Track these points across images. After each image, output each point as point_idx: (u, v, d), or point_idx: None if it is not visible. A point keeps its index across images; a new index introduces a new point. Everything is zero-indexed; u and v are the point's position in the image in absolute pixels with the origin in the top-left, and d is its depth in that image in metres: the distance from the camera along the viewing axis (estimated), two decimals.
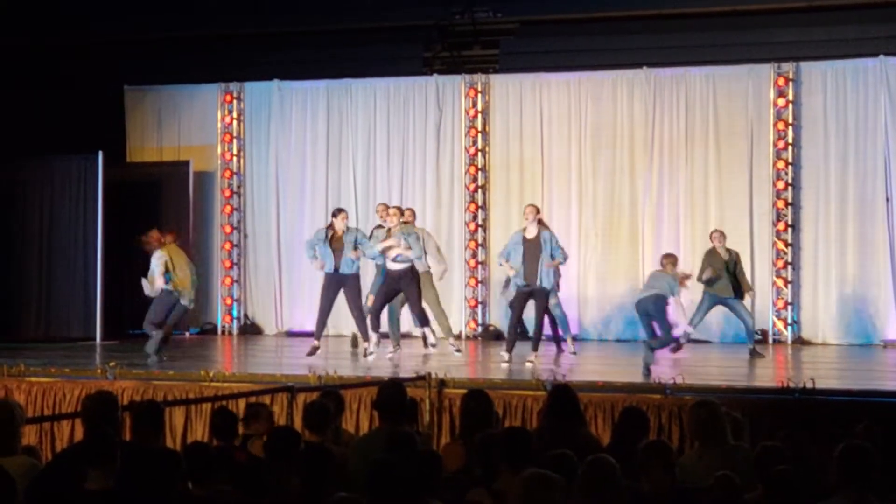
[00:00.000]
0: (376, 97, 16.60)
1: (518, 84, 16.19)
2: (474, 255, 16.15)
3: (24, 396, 10.43)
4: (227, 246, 16.96)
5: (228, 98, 17.04)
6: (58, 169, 15.95)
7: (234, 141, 17.05)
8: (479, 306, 16.15)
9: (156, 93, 17.39)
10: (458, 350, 12.92)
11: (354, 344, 13.41)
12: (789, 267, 15.18)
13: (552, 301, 12.77)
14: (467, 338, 15.96)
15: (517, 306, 12.29)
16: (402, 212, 12.80)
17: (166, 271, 12.12)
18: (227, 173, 17.02)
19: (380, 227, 13.03)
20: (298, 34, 16.79)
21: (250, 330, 16.83)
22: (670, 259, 12.41)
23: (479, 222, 16.20)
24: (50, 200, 15.93)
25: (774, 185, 15.22)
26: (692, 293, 13.25)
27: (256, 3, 16.52)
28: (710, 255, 13.18)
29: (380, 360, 12.10)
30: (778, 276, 15.19)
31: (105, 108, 16.80)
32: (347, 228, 12.41)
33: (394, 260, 12.31)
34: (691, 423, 6.65)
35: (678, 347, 12.70)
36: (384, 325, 12.89)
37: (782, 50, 15.40)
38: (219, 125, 17.06)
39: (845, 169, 15.10)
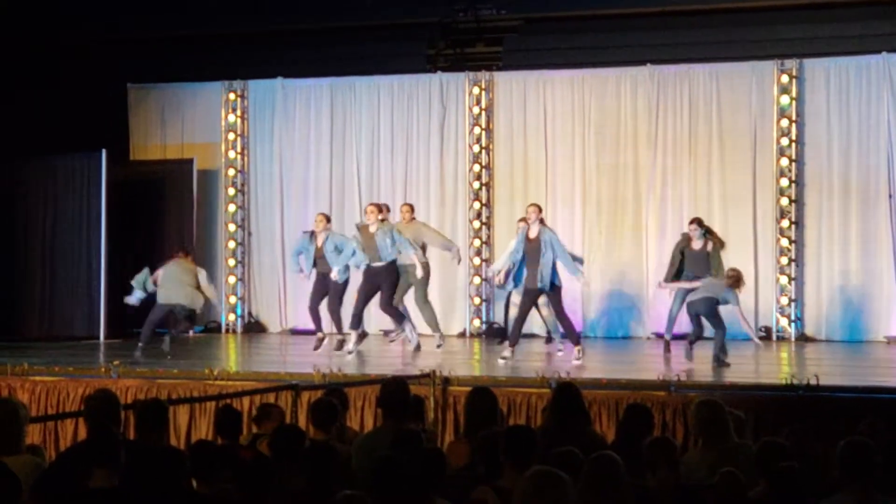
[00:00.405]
0: (380, 95, 16.58)
1: (522, 81, 16.18)
2: (478, 253, 16.13)
3: (28, 395, 10.44)
4: (231, 244, 16.96)
5: (232, 96, 17.03)
6: (61, 167, 15.93)
7: (238, 139, 17.04)
8: (484, 304, 16.15)
9: (159, 91, 17.38)
10: (440, 346, 12.80)
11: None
12: (793, 264, 15.16)
13: (541, 300, 12.63)
14: (471, 335, 15.97)
15: (524, 306, 12.18)
16: (380, 209, 12.72)
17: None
18: (231, 171, 17.01)
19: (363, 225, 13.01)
20: (302, 32, 16.79)
21: (254, 328, 16.82)
22: (734, 274, 12.13)
23: (483, 220, 16.19)
24: (53, 199, 15.92)
25: (778, 182, 15.21)
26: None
27: (260, 1, 16.52)
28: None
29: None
30: (781, 272, 15.18)
31: (108, 107, 16.78)
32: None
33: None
34: (695, 421, 6.65)
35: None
36: (387, 325, 12.88)
37: (786, 47, 15.38)
38: (222, 123, 17.05)
39: (848, 165, 15.09)
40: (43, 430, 10.00)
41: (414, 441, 6.03)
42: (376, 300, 12.76)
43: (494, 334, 15.26)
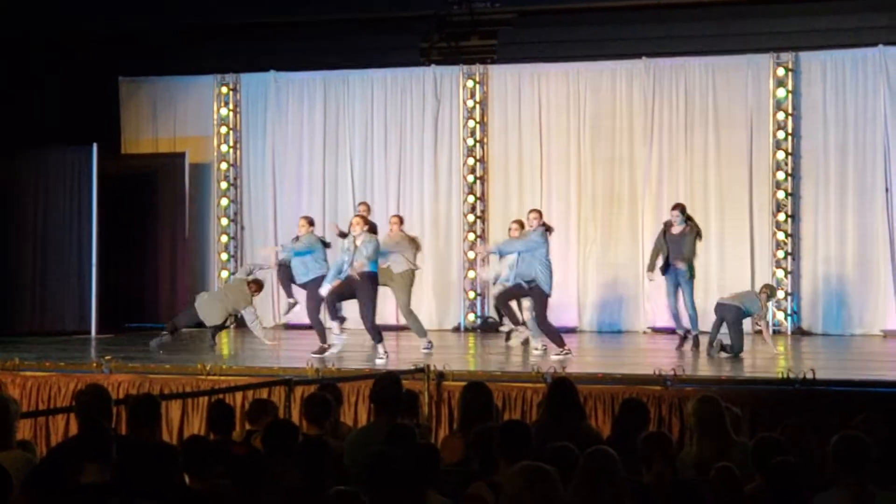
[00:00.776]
0: (373, 88, 16.53)
1: (516, 74, 16.13)
2: (472, 247, 16.08)
3: (19, 391, 10.40)
4: (224, 238, 16.89)
5: (224, 89, 16.96)
6: (52, 161, 15.86)
7: (231, 132, 16.98)
8: (478, 298, 16.10)
9: (151, 84, 17.31)
10: (426, 348, 12.53)
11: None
12: (789, 257, 15.14)
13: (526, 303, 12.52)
14: (466, 330, 15.92)
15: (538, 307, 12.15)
16: (365, 221, 12.45)
17: None
18: (224, 165, 16.94)
19: (343, 234, 12.84)
20: (295, 25, 16.71)
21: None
22: (768, 289, 12.64)
23: (478, 214, 16.14)
24: (44, 193, 15.84)
25: (774, 175, 15.18)
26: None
27: None
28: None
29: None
30: (777, 266, 15.16)
31: (100, 100, 16.70)
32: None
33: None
34: (692, 418, 6.62)
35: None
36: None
37: (782, 40, 15.35)
38: (215, 117, 16.99)
39: (845, 159, 15.07)
40: (34, 426, 9.97)
41: (407, 436, 6.00)
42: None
43: (489, 328, 15.20)
